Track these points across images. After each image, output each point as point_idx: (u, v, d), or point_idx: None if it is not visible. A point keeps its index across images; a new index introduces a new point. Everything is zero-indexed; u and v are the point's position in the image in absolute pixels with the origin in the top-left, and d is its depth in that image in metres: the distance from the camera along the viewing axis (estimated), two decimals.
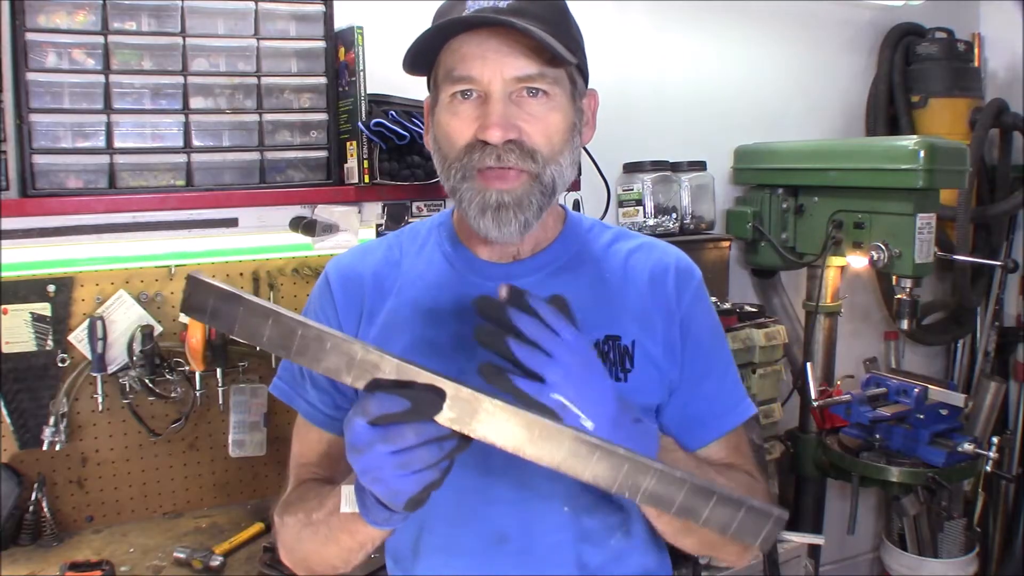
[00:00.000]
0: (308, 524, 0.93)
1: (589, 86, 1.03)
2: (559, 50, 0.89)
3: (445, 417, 0.72)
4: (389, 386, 0.72)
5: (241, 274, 1.87)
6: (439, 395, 0.72)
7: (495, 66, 0.90)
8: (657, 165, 2.29)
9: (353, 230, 1.74)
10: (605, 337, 0.99)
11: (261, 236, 1.75)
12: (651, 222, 2.26)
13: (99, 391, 1.73)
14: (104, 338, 1.71)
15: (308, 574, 1.00)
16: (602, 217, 2.06)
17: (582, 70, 0.98)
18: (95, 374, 1.72)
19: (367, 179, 1.70)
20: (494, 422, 0.73)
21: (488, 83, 0.90)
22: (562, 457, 0.73)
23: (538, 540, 0.98)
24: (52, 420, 1.70)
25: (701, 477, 0.74)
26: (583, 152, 1.93)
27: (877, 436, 2.21)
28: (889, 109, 2.67)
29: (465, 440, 0.74)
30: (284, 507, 1.00)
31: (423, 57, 0.95)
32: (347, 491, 0.83)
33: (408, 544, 1.04)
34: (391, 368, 0.73)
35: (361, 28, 1.68)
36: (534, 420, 0.73)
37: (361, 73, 1.67)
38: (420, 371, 0.73)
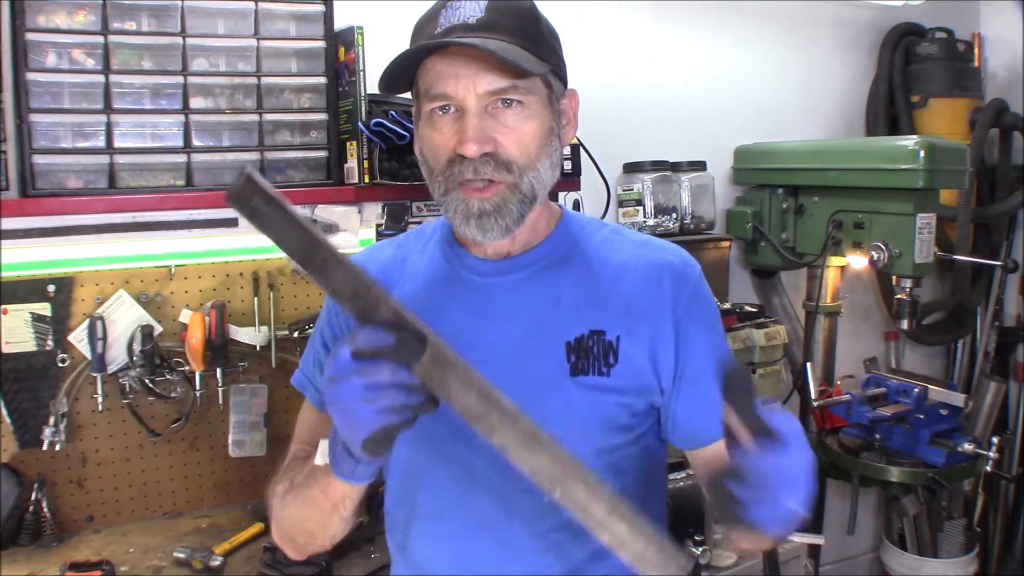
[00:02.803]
0: (290, 490, 1.00)
1: (569, 86, 1.05)
2: (525, 65, 0.92)
3: (421, 368, 0.77)
4: (381, 323, 0.78)
5: (241, 274, 1.87)
6: (423, 342, 0.77)
7: (468, 83, 0.93)
8: (657, 165, 2.29)
9: (353, 230, 1.75)
10: (590, 332, 1.01)
11: (261, 236, 1.74)
12: (651, 222, 2.26)
13: (99, 391, 1.73)
14: (104, 338, 1.71)
15: (293, 548, 1.06)
16: (602, 217, 2.06)
17: (558, 73, 1.02)
18: (95, 374, 1.72)
19: (367, 179, 1.70)
20: (460, 387, 0.78)
21: (463, 99, 0.94)
22: (510, 441, 0.78)
23: (519, 529, 1.01)
24: (52, 420, 1.70)
25: None
26: (583, 152, 1.94)
27: (877, 436, 2.21)
28: (889, 109, 2.67)
29: (431, 402, 0.79)
30: (275, 480, 1.06)
31: (401, 77, 0.99)
32: (322, 444, 0.89)
33: (403, 528, 1.09)
34: (389, 309, 0.78)
35: (361, 28, 1.68)
36: (497, 400, 0.78)
37: (361, 73, 1.67)
38: (415, 319, 0.78)
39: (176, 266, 1.81)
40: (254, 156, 1.66)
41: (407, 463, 1.06)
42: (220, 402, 1.82)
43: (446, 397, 0.78)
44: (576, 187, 1.95)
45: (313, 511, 0.96)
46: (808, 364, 2.32)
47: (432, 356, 0.77)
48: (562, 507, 0.81)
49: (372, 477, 0.89)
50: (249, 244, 1.82)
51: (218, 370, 1.78)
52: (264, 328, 1.85)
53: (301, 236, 0.78)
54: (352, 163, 1.71)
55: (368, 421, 0.78)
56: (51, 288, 1.71)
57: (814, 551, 2.37)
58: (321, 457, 0.89)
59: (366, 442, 0.79)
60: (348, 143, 1.72)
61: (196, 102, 1.61)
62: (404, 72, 0.98)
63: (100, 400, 1.73)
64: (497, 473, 0.99)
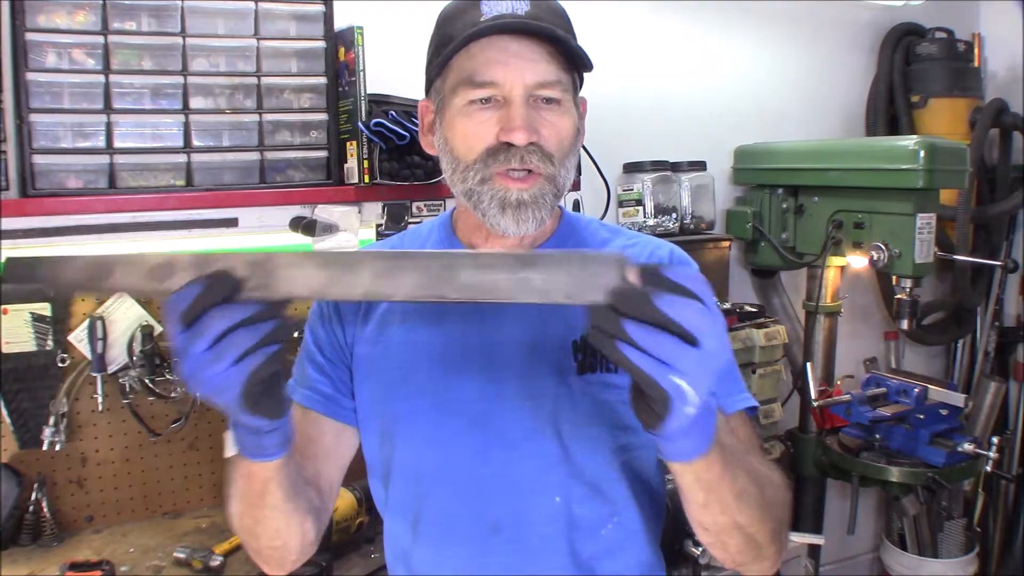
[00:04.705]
0: (231, 488, 0.95)
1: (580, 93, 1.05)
2: (586, 56, 0.93)
3: (249, 290, 0.69)
4: (187, 280, 0.70)
5: None
6: (232, 266, 0.70)
7: (517, 72, 0.93)
8: (657, 165, 2.29)
9: (353, 230, 1.74)
10: None
11: (261, 236, 1.75)
12: (651, 222, 2.26)
13: (99, 391, 1.73)
14: (104, 338, 1.71)
15: (248, 548, 1.01)
16: (602, 217, 2.06)
17: (582, 76, 1.02)
18: (95, 374, 1.72)
19: (367, 179, 1.69)
20: (292, 273, 0.70)
21: (510, 88, 0.93)
22: (368, 284, 0.70)
23: (530, 530, 1.00)
24: (52, 420, 1.70)
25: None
26: (583, 152, 1.94)
27: (877, 436, 2.21)
28: (889, 109, 2.67)
29: (285, 323, 0.72)
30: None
31: (444, 61, 0.96)
32: (227, 434, 0.85)
33: (407, 535, 1.06)
34: (185, 263, 0.70)
35: (361, 28, 1.68)
36: (331, 257, 0.71)
37: (361, 73, 1.67)
38: (215, 255, 0.70)
39: None
40: (254, 156, 1.66)
41: (414, 466, 1.03)
42: None
43: (287, 295, 0.70)
44: (576, 187, 1.95)
45: (244, 504, 0.92)
46: (808, 364, 2.32)
47: (251, 275, 0.69)
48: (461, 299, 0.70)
49: (286, 448, 0.83)
50: (249, 244, 1.82)
51: None
52: None
53: (73, 268, 0.73)
54: (352, 163, 1.71)
55: (228, 380, 0.69)
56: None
57: (814, 551, 2.37)
58: (230, 448, 0.84)
59: (244, 403, 0.71)
60: (348, 143, 1.72)
61: (196, 102, 1.61)
62: (448, 55, 0.95)
63: (100, 400, 1.73)
64: (508, 474, 0.99)
